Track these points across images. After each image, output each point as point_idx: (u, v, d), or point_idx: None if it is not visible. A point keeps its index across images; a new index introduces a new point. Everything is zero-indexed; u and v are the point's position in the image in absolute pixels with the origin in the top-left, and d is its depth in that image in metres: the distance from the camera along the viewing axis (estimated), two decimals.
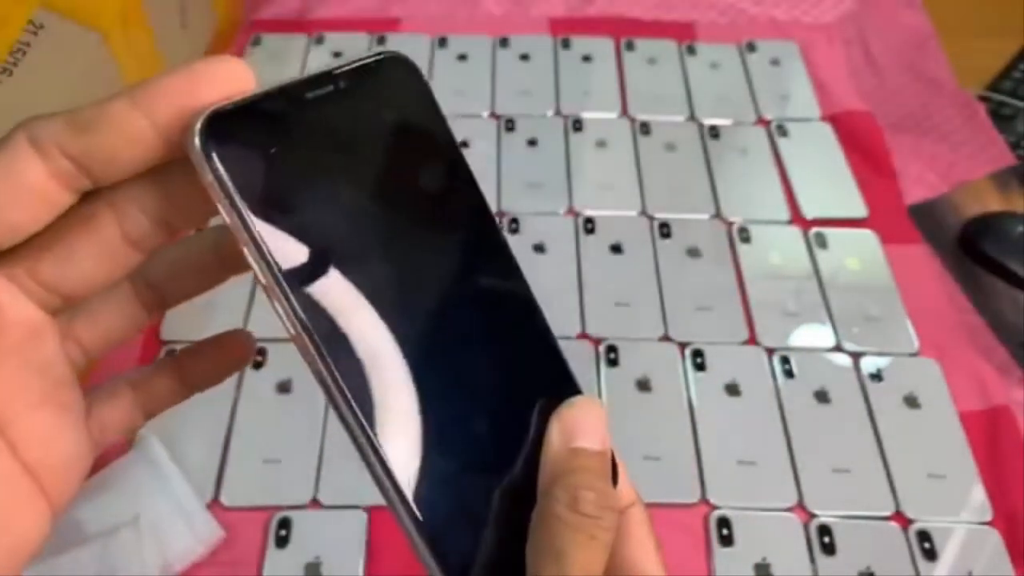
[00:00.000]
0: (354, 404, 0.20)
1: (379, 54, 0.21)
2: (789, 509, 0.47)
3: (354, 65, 0.21)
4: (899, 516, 0.47)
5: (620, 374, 0.52)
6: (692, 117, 0.68)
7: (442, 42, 0.73)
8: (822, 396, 0.52)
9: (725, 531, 0.46)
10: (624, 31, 0.75)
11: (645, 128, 0.67)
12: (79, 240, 0.19)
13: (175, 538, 0.43)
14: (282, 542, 0.45)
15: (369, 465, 0.20)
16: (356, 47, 0.72)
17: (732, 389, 0.52)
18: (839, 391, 0.52)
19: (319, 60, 0.71)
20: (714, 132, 0.67)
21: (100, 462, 0.47)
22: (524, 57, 0.72)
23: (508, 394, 0.23)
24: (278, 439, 0.49)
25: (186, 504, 0.45)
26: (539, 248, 0.58)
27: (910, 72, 0.73)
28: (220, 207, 0.19)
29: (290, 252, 0.19)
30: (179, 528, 0.44)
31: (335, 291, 0.20)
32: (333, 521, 0.46)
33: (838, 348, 0.54)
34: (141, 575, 0.41)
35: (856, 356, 0.54)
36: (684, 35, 0.75)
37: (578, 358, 0.53)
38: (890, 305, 0.56)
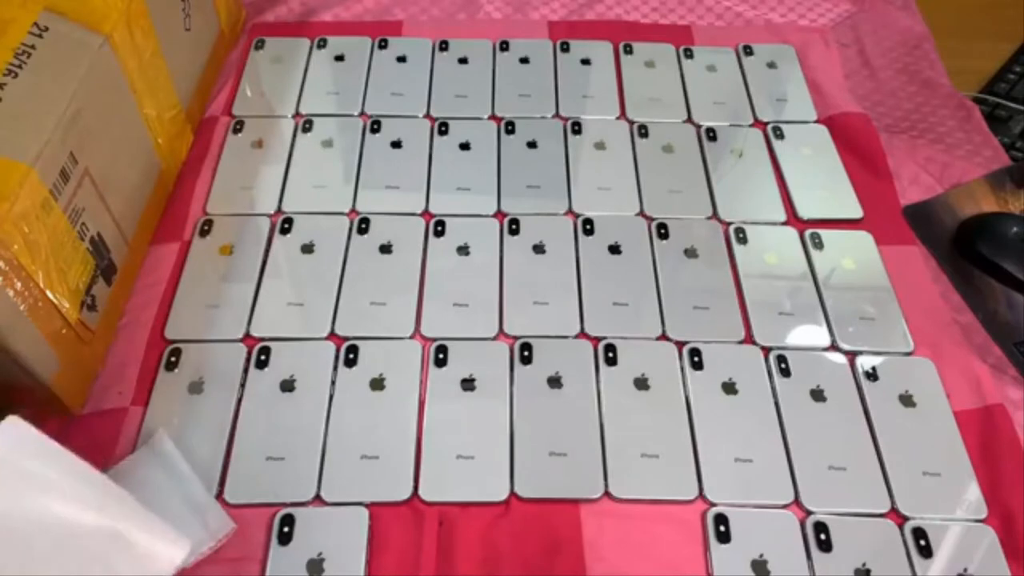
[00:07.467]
0: None
1: None
2: (785, 506, 0.48)
3: None
4: (895, 513, 0.48)
5: (618, 373, 0.53)
6: (689, 119, 0.69)
7: (443, 45, 0.74)
8: (818, 395, 0.52)
9: (722, 528, 0.47)
10: (622, 35, 0.75)
11: (643, 130, 0.68)
12: None
13: (187, 531, 0.44)
14: (285, 539, 0.46)
15: None
16: (359, 50, 0.73)
17: (729, 388, 0.53)
18: (835, 390, 0.53)
19: (322, 63, 0.72)
20: (711, 134, 0.68)
21: (110, 458, 0.48)
22: (524, 60, 0.73)
23: None
24: (281, 437, 0.49)
25: (197, 497, 0.45)
26: (539, 248, 0.59)
27: (905, 74, 0.73)
28: None
29: None
30: (191, 521, 0.44)
31: None
32: (335, 518, 0.47)
33: (834, 347, 0.55)
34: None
35: (852, 355, 0.54)
36: (681, 38, 0.76)
37: (577, 357, 0.53)
38: (885, 305, 0.57)
